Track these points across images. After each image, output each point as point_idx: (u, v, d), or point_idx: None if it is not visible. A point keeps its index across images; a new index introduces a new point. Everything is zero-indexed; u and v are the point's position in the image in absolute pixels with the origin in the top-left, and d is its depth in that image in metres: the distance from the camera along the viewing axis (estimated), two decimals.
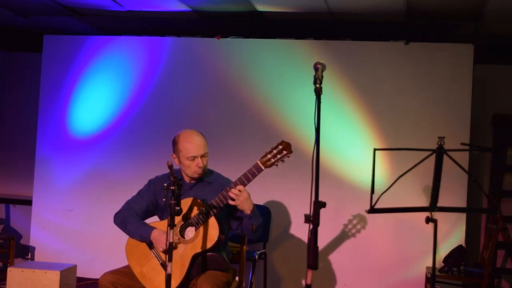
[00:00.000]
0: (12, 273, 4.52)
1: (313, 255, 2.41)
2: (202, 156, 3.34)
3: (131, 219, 3.41)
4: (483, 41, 5.11)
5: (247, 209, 3.27)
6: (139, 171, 5.15)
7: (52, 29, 5.69)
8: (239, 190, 3.20)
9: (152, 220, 3.47)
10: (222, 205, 3.24)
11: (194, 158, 3.33)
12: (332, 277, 5.00)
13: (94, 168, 5.43)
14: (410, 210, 3.96)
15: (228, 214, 3.43)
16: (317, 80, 2.52)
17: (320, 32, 5.27)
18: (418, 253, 4.83)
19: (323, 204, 2.45)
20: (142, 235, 3.34)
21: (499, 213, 4.74)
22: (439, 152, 3.32)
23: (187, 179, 3.44)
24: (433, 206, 3.37)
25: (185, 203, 3.25)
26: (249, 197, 3.26)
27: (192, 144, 3.34)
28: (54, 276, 4.46)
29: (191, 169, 3.35)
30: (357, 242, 4.97)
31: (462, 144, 4.26)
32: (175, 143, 3.42)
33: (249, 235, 3.43)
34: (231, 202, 3.24)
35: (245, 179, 3.21)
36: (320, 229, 2.44)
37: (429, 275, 4.36)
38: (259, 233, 3.40)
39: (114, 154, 5.41)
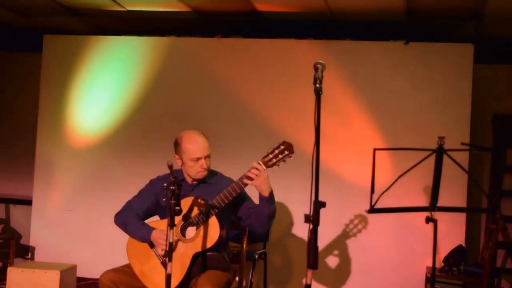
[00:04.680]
0: (12, 273, 4.52)
1: (313, 255, 2.41)
2: (206, 157, 3.35)
3: (131, 220, 3.40)
4: (483, 41, 5.11)
5: (266, 190, 3.21)
6: (140, 171, 5.14)
7: (52, 29, 5.69)
8: (258, 170, 3.14)
9: (153, 219, 3.47)
10: (223, 205, 3.24)
11: (198, 159, 3.33)
12: (332, 277, 5.00)
13: (94, 167, 5.43)
14: (410, 210, 3.96)
15: (229, 214, 3.43)
16: (317, 80, 2.51)
17: (320, 32, 5.27)
18: (418, 253, 4.83)
19: (323, 204, 2.45)
20: (143, 236, 3.34)
21: (499, 213, 4.74)
22: (439, 152, 3.33)
23: (189, 180, 3.43)
24: (433, 206, 3.37)
25: (186, 202, 3.25)
26: (267, 178, 3.20)
27: (196, 146, 3.34)
28: (54, 276, 4.46)
29: (195, 170, 3.35)
30: (357, 242, 4.97)
31: (462, 144, 4.25)
32: (177, 144, 3.41)
33: (260, 224, 3.31)
34: (248, 182, 3.17)
35: (247, 179, 3.21)
36: (320, 229, 2.44)
37: (429, 275, 4.36)
38: (272, 220, 3.32)
39: (114, 154, 5.41)
